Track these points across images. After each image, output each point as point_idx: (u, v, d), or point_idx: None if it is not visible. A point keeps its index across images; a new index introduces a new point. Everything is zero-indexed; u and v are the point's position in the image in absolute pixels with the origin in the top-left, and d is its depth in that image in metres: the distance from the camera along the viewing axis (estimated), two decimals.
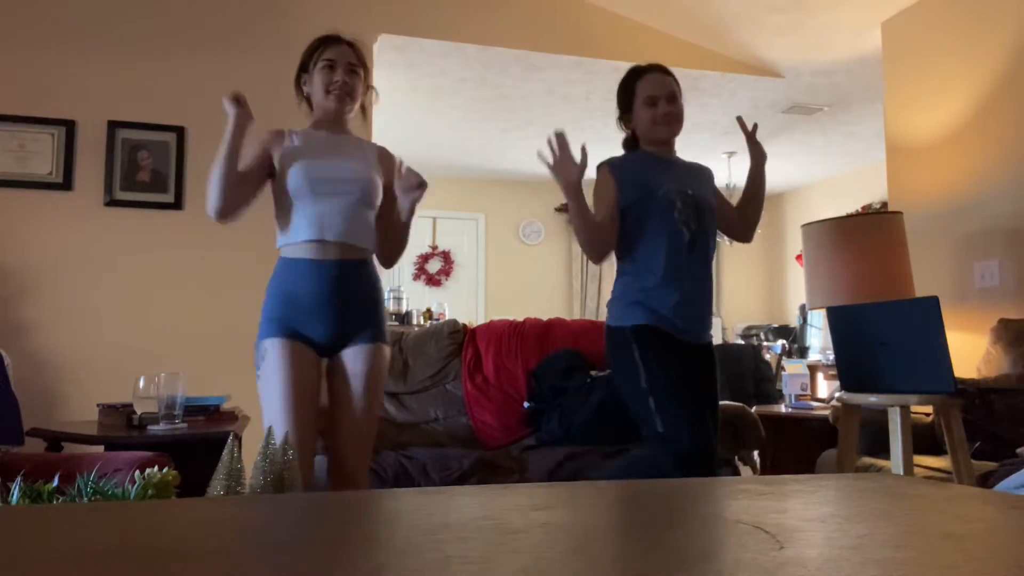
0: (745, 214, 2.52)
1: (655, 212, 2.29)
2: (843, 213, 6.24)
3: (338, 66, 2.20)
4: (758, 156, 2.45)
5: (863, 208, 6.99)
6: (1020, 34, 3.42)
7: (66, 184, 3.79)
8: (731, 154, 6.86)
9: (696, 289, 2.30)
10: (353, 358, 2.14)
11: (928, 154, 3.89)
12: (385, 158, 2.32)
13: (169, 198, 3.91)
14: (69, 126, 3.81)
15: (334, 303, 2.12)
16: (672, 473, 2.07)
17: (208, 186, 2.09)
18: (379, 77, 4.50)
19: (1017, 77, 3.43)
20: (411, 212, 2.25)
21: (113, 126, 3.86)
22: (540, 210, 8.36)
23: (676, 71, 4.83)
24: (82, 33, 3.89)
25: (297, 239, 2.13)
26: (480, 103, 5.61)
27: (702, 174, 2.47)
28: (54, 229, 3.77)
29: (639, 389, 2.22)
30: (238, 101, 2.06)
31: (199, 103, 3.95)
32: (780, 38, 4.56)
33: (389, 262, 2.35)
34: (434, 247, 8.10)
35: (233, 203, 2.12)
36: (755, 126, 2.46)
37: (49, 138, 3.78)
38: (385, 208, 2.28)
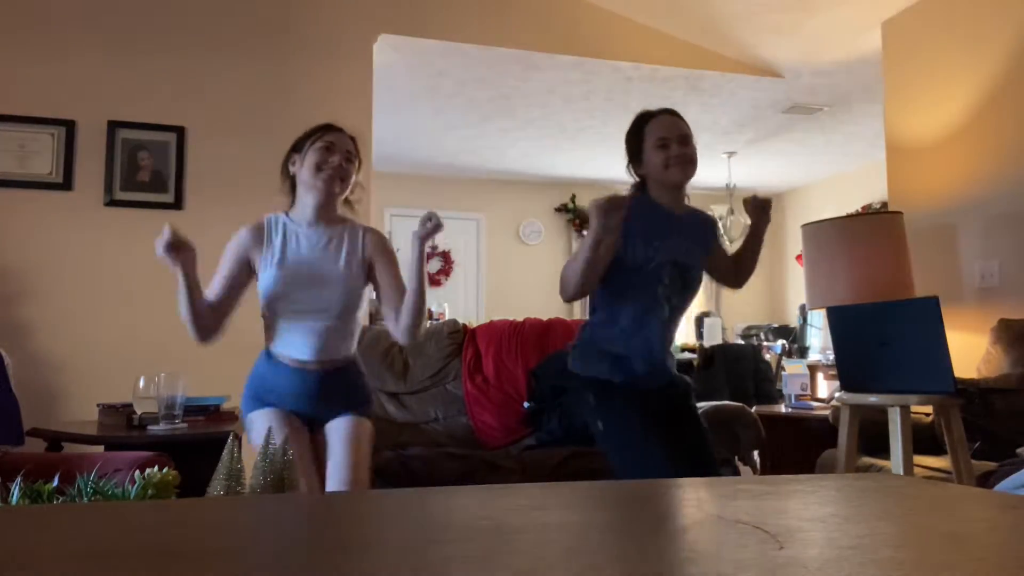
0: (741, 266, 2.47)
1: (640, 283, 2.22)
2: (843, 213, 6.24)
3: (336, 150, 2.15)
4: (761, 222, 2.36)
5: (863, 208, 6.99)
6: (1020, 34, 3.42)
7: (66, 184, 3.78)
8: (731, 154, 6.86)
9: (662, 350, 2.28)
10: (335, 427, 2.14)
11: (928, 154, 3.89)
12: (376, 243, 2.22)
13: (169, 198, 3.90)
14: (69, 126, 3.81)
15: (315, 398, 2.15)
16: None
17: (184, 320, 2.08)
18: (379, 77, 4.50)
19: (1017, 77, 3.43)
20: (421, 252, 2.12)
21: (113, 126, 3.86)
22: (540, 210, 8.36)
23: (676, 71, 4.86)
24: (82, 33, 3.88)
25: (279, 352, 2.15)
26: (480, 103, 5.61)
27: (703, 231, 2.38)
28: (54, 229, 3.76)
29: (599, 432, 2.22)
30: (174, 247, 1.96)
31: (199, 103, 3.95)
32: (780, 38, 4.56)
33: (409, 335, 2.18)
34: (433, 247, 8.09)
35: (215, 327, 2.13)
36: (764, 201, 2.35)
37: (49, 138, 3.78)
38: (376, 285, 2.22)
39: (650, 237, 2.21)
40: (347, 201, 2.25)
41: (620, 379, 2.22)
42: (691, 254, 2.29)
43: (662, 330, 2.26)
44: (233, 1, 4.10)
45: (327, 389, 2.16)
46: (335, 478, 2.04)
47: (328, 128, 2.20)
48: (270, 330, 2.18)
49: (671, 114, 2.29)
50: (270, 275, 2.13)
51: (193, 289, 2.05)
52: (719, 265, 2.47)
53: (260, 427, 2.06)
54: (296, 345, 2.13)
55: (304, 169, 2.15)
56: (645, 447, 2.14)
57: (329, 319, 2.14)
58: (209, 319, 2.10)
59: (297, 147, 2.20)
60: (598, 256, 2.08)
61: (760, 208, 2.33)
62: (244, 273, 2.17)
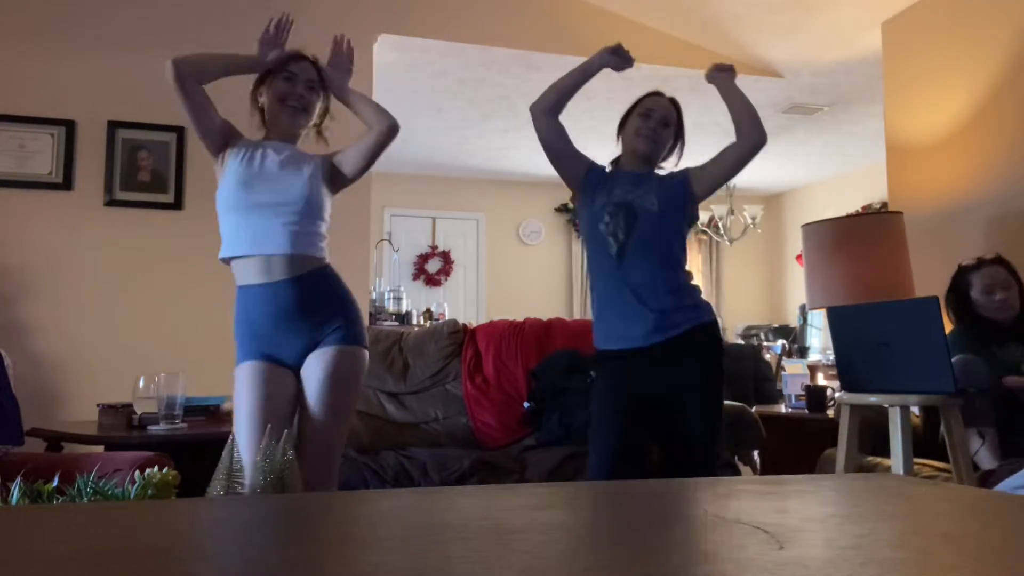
0: (741, 119, 2.44)
1: (587, 227, 2.36)
2: (843, 213, 6.24)
3: (298, 80, 2.17)
4: (724, 82, 2.53)
5: (863, 208, 6.99)
6: (1020, 34, 3.42)
7: (66, 184, 3.78)
8: None
9: (630, 299, 2.26)
10: (313, 362, 2.07)
11: (928, 154, 3.89)
12: (328, 156, 2.25)
13: (169, 198, 3.90)
14: (69, 126, 3.81)
15: (294, 320, 2.07)
16: None
17: (197, 57, 2.15)
18: (379, 77, 4.50)
19: (1017, 77, 3.43)
20: (346, 91, 2.26)
21: (113, 126, 3.86)
22: (540, 210, 8.35)
23: (676, 71, 4.86)
24: (82, 33, 3.88)
25: (237, 252, 2.09)
26: (480, 103, 5.60)
27: (671, 182, 2.39)
28: (54, 229, 3.76)
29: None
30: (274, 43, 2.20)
31: None
32: (780, 38, 4.56)
33: (379, 117, 2.23)
34: (434, 247, 8.09)
35: (194, 85, 2.12)
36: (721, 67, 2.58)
37: (49, 138, 3.78)
38: (343, 158, 2.23)
39: (606, 187, 2.36)
40: (319, 133, 2.26)
41: (604, 345, 2.33)
42: (646, 198, 2.31)
43: (617, 272, 2.29)
44: (233, 1, 4.10)
45: (302, 303, 2.07)
46: (306, 436, 2.02)
47: (292, 58, 2.21)
48: (229, 233, 2.13)
49: (671, 101, 2.45)
50: (237, 153, 2.13)
51: (228, 66, 2.22)
52: (722, 157, 2.40)
53: (240, 386, 2.06)
54: (254, 238, 2.06)
55: (268, 100, 2.19)
56: (598, 429, 2.30)
57: (289, 214, 2.08)
58: (200, 82, 2.14)
59: (262, 78, 2.22)
60: (582, 80, 2.36)
61: (718, 74, 2.55)
62: (217, 124, 2.16)
